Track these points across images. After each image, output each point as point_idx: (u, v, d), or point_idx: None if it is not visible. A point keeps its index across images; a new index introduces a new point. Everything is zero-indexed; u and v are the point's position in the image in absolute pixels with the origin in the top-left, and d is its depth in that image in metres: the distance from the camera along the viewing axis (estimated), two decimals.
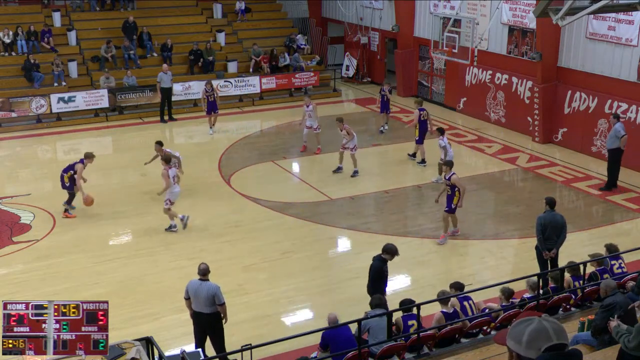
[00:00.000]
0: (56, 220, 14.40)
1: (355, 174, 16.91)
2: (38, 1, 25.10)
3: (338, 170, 17.16)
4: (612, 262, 10.43)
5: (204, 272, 9.13)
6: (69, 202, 14.61)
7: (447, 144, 15.97)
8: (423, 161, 17.76)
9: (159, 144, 15.12)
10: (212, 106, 20.54)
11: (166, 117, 22.02)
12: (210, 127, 20.81)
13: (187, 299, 9.16)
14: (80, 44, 24.13)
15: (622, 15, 16.85)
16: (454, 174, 13.24)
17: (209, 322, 9.15)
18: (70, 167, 14.34)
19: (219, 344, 9.19)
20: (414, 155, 18.19)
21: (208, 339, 9.29)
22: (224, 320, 9.24)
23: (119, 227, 14.44)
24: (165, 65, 22.08)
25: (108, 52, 23.34)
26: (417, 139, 17.82)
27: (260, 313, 10.94)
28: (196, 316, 9.18)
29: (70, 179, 14.32)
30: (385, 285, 9.99)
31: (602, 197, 15.75)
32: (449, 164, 13.48)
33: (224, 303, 9.13)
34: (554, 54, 19.09)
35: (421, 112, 17.64)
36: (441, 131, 16.20)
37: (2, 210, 14.93)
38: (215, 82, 23.26)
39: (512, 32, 20.63)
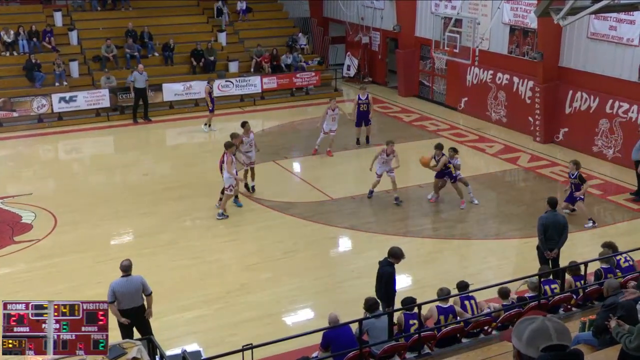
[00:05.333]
0: (57, 220, 14.37)
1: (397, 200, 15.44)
2: (39, 1, 25.02)
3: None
4: (618, 257, 10.39)
5: (126, 269, 9.15)
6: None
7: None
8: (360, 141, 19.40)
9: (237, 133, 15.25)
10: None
11: (141, 119, 21.85)
12: (209, 125, 21.01)
13: (112, 302, 8.95)
14: (82, 43, 24.07)
15: (623, 15, 16.83)
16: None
17: (138, 315, 9.20)
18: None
19: (148, 333, 9.12)
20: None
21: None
22: (148, 314, 9.23)
23: (121, 226, 14.44)
24: (140, 66, 21.92)
25: (109, 51, 23.33)
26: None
27: (262, 313, 10.91)
28: (127, 314, 9.12)
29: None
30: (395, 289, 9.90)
31: (603, 197, 15.75)
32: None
33: (151, 293, 9.22)
34: (555, 54, 19.06)
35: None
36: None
37: (4, 210, 14.90)
38: (216, 82, 23.32)
39: (513, 32, 20.61)
